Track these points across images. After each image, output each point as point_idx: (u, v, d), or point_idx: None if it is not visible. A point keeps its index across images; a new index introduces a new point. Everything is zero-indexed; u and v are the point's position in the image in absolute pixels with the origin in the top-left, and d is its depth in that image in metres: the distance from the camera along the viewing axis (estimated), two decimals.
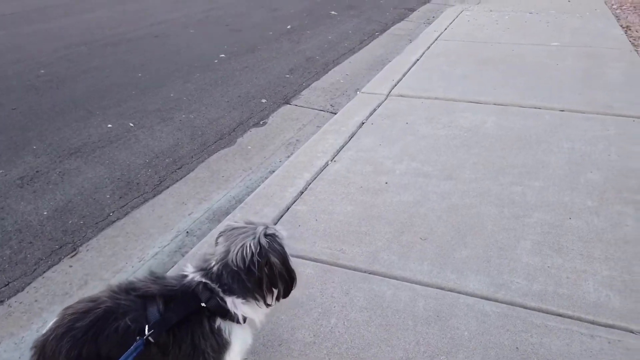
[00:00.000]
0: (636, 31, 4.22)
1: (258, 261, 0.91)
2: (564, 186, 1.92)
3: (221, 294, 0.92)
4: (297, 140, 2.86)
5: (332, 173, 2.15)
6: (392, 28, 5.43)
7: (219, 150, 2.74)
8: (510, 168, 2.09)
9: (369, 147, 2.37)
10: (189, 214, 2.17)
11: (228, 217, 1.91)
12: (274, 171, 2.34)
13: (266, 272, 0.94)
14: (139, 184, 2.42)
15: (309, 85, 3.75)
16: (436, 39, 4.25)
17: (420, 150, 2.30)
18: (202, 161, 2.63)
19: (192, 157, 2.68)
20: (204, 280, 0.93)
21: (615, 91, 2.79)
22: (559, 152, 2.17)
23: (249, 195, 2.09)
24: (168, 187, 2.38)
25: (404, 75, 3.34)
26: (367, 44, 4.82)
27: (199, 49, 4.63)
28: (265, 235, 0.95)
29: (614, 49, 3.66)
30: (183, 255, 1.77)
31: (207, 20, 5.75)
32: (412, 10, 6.31)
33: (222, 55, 4.43)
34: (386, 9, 6.30)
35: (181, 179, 2.47)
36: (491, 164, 2.13)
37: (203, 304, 0.91)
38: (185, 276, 0.95)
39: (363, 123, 2.64)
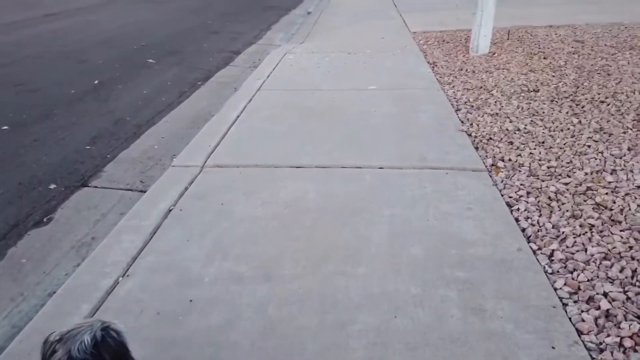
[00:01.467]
0: (441, 67, 4.55)
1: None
2: (388, 270, 1.75)
3: None
4: (92, 238, 2.31)
5: (121, 297, 1.68)
6: (217, 75, 5.12)
7: None
8: (334, 252, 1.87)
9: (174, 246, 1.96)
10: None
11: None
12: (55, 292, 1.79)
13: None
14: None
15: (116, 156, 3.20)
16: (259, 89, 4.04)
17: (235, 242, 1.96)
18: None
19: None
20: None
21: (428, 139, 2.83)
22: (381, 223, 2.03)
23: (18, 337, 1.51)
24: None
25: (222, 138, 3.02)
26: (189, 97, 4.42)
27: None
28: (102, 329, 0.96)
29: (424, 89, 3.84)
30: None
31: None
32: (238, 53, 6.10)
33: (5, 128, 3.62)
34: (210, 54, 5.99)
35: None
36: (314, 249, 1.89)
37: None
38: None
39: (170, 210, 2.22)
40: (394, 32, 6.47)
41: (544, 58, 4.58)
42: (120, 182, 2.85)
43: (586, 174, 2.34)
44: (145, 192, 2.54)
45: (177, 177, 2.55)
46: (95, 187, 2.81)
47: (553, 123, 2.97)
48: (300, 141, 2.92)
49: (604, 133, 2.78)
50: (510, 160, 2.53)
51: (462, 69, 4.41)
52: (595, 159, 2.46)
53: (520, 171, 2.41)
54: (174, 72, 5.18)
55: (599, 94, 3.43)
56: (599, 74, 3.96)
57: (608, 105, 3.22)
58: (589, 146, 2.60)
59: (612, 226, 1.92)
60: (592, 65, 4.21)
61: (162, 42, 6.55)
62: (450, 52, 5.12)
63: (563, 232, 1.89)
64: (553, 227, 1.94)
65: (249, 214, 2.16)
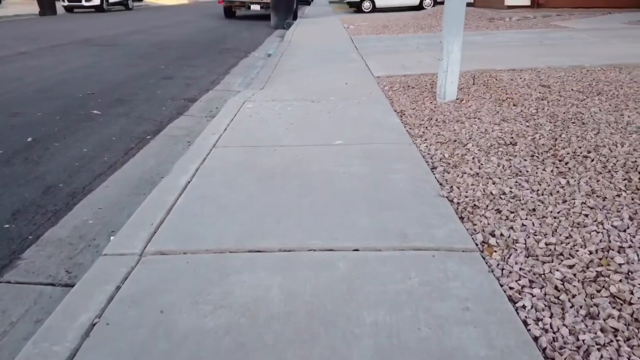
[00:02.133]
0: (410, 116, 4.31)
1: None
2: None
3: None
4: None
5: None
6: (169, 127, 4.69)
7: None
8: None
9: None
10: None
11: None
12: None
13: None
14: None
15: (40, 236, 2.68)
16: (214, 145, 3.64)
17: None
18: None
19: None
20: None
21: (406, 209, 2.49)
22: (362, 335, 1.63)
23: None
24: None
25: (168, 212, 2.57)
26: (135, 154, 3.96)
27: None
28: None
29: (395, 144, 3.54)
30: None
31: None
32: (193, 100, 5.70)
33: None
34: (163, 102, 5.56)
35: None
36: None
37: None
38: None
39: (94, 325, 1.74)
40: (357, 76, 6.27)
41: (514, 105, 4.42)
42: (41, 274, 2.33)
43: (591, 252, 2.03)
44: (73, 285, 2.05)
45: (108, 271, 2.07)
46: (8, 282, 2.28)
47: (540, 185, 2.70)
48: (261, 214, 2.51)
49: (597, 197, 2.52)
50: (502, 235, 2.20)
51: (431, 119, 4.17)
52: (597, 233, 2.17)
53: (516, 250, 2.09)
54: (121, 124, 4.71)
55: (579, 147, 3.23)
56: (573, 123, 3.80)
57: (592, 160, 3.00)
58: (585, 215, 2.32)
59: (639, 330, 1.59)
60: (564, 113, 4.07)
61: (110, 90, 6.08)
62: (417, 98, 4.91)
63: (584, 342, 1.55)
64: (570, 332, 1.60)
65: (196, 327, 1.71)
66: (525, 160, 3.08)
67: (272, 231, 2.34)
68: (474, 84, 5.29)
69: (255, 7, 18.52)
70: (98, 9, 23.09)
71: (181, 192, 2.82)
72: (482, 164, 3.05)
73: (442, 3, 21.29)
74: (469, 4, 21.73)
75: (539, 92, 4.80)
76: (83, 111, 5.11)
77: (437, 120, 4.11)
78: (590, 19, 13.11)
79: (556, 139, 3.43)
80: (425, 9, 20.01)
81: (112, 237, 2.47)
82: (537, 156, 3.14)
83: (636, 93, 4.58)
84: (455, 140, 3.55)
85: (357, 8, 20.85)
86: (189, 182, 2.97)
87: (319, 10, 24.99)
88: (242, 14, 20.07)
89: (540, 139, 3.46)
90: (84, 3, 22.67)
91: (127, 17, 19.53)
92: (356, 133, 3.82)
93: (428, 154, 3.34)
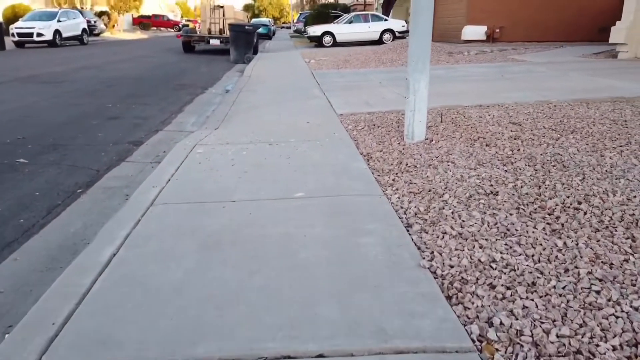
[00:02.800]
0: (377, 160, 3.91)
1: None
2: None
3: None
4: None
5: None
6: (106, 177, 4.11)
7: None
8: None
9: None
10: None
11: None
12: None
13: None
14: None
15: None
16: (153, 202, 3.09)
17: None
18: None
19: None
20: None
21: (381, 288, 2.02)
22: None
23: None
24: None
25: (79, 304, 2.00)
26: (61, 213, 3.36)
27: None
28: None
29: (363, 195, 3.11)
30: None
31: None
32: (139, 143, 5.15)
33: None
34: (103, 146, 4.97)
35: None
36: None
37: None
38: None
39: None
40: (319, 114, 5.90)
41: (487, 145, 4.11)
42: None
43: (614, 348, 1.62)
44: None
45: None
46: None
47: (534, 248, 2.31)
48: (199, 302, 1.98)
49: (603, 263, 2.14)
50: (502, 324, 1.76)
51: (401, 162, 3.79)
52: (616, 318, 1.76)
53: (522, 347, 1.65)
54: (49, 175, 4.09)
55: (568, 197, 2.89)
56: (554, 166, 3.49)
57: (585, 213, 2.65)
58: (597, 292, 1.92)
59: None
60: (541, 154, 3.77)
61: (44, 134, 5.44)
62: (384, 139, 4.54)
63: None
64: None
65: None
66: (511, 214, 2.70)
67: (212, 328, 1.81)
68: (442, 122, 5.00)
69: (215, 42, 18.22)
70: (51, 43, 22.16)
71: (101, 271, 2.25)
72: (463, 221, 2.65)
73: (402, 37, 21.83)
74: None
75: (511, 131, 4.54)
76: (7, 160, 4.46)
77: (407, 164, 3.73)
78: (545, 53, 13.47)
79: (540, 187, 3.09)
80: (385, 43, 20.26)
81: (6, 336, 1.89)
82: (523, 209, 2.77)
83: (610, 130, 4.38)
84: (429, 190, 3.15)
85: (318, 42, 20.88)
86: (114, 255, 2.41)
87: (280, 45, 25.02)
88: (201, 48, 19.70)
89: (522, 186, 3.11)
90: (35, 38, 21.70)
91: (80, 53, 18.78)
92: (319, 182, 3.38)
93: (401, 207, 2.92)
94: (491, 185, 3.17)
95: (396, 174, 3.55)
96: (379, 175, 3.52)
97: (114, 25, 40.34)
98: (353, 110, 5.98)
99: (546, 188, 3.07)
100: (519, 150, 3.93)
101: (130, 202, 3.17)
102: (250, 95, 7.94)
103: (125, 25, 46.27)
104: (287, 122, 5.49)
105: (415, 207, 2.90)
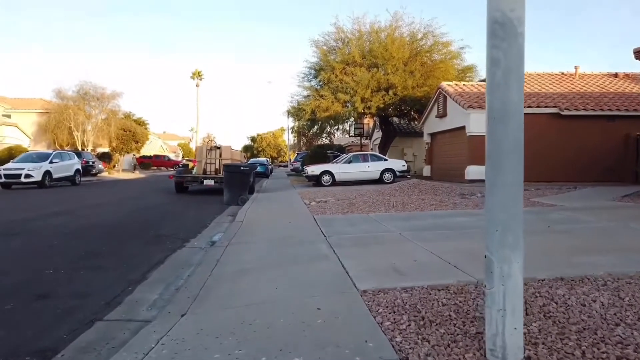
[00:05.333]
0: None
1: None
2: None
3: None
4: None
5: None
6: None
7: None
8: None
9: None
10: None
11: None
12: None
13: None
14: None
15: None
16: None
17: None
18: None
19: None
20: None
21: None
22: None
23: None
24: None
25: None
26: None
27: None
28: None
29: None
30: None
31: None
32: (53, 352, 3.27)
33: None
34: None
35: None
36: None
37: None
38: None
39: None
40: (333, 291, 4.16)
41: None
42: None
43: None
44: None
45: None
46: None
47: None
48: None
49: None
50: None
51: None
52: None
53: None
54: None
55: None
56: None
57: None
58: None
59: None
60: None
61: None
62: (450, 352, 2.73)
63: None
64: None
65: None
66: None
67: None
68: (527, 314, 3.22)
69: (209, 182, 17.26)
70: (40, 184, 21.21)
71: None
72: None
73: (403, 177, 21.17)
74: (425, 177, 21.57)
75: None
76: None
77: None
78: (568, 195, 12.31)
79: None
80: (386, 182, 19.44)
81: None
82: None
83: None
84: None
85: (317, 181, 20.05)
86: None
87: (278, 183, 24.36)
88: (195, 188, 18.74)
89: None
90: (22, 179, 20.80)
91: (64, 195, 17.66)
92: None
93: None
94: None
95: None
96: None
97: (114, 166, 40.72)
98: (380, 282, 4.25)
99: None
100: None
101: None
102: (240, 251, 6.29)
103: (125, 165, 47.01)
104: (288, 307, 3.71)
105: None
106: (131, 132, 42.71)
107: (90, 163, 31.91)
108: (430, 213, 9.24)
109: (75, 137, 37.13)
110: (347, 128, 34.12)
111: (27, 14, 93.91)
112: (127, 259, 6.13)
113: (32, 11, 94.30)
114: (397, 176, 20.03)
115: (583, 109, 17.68)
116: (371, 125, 33.07)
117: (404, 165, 20.84)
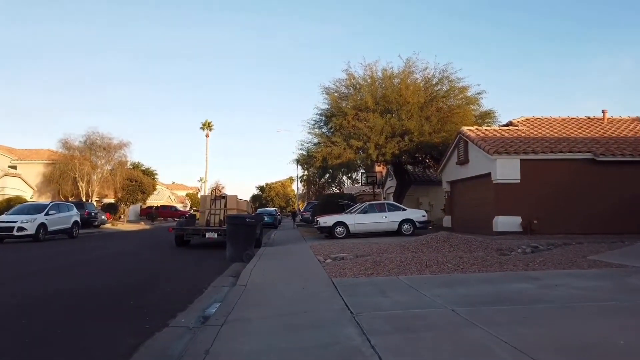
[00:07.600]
0: None
1: None
2: None
3: None
4: None
5: None
6: None
7: None
8: None
9: None
10: None
11: None
12: None
13: None
14: None
15: None
16: None
17: None
18: None
19: None
20: None
21: None
22: None
23: None
24: None
25: None
26: None
27: None
28: None
29: None
30: None
31: None
32: None
33: None
34: None
35: None
36: None
37: None
38: None
39: None
40: None
41: None
42: None
43: None
44: None
45: None
46: None
47: None
48: None
49: None
50: None
51: None
52: None
53: None
54: None
55: None
56: None
57: None
58: None
59: None
60: None
61: None
62: None
63: None
64: None
65: None
66: None
67: None
68: None
69: (212, 235, 15.71)
70: (34, 238, 19.75)
71: None
72: None
73: (423, 228, 19.35)
74: (446, 228, 19.74)
75: None
76: None
77: None
78: (624, 251, 10.51)
79: None
80: (404, 234, 17.72)
81: None
82: None
83: None
84: None
85: (329, 233, 18.36)
86: None
87: (287, 235, 22.70)
88: (197, 241, 17.19)
89: None
90: (15, 233, 19.36)
91: (57, 249, 16.17)
92: None
93: None
94: None
95: None
96: None
97: (119, 217, 39.45)
98: None
99: None
100: None
101: None
102: (238, 335, 4.65)
103: (132, 215, 45.76)
104: None
105: None
106: (137, 182, 41.73)
107: (93, 214, 30.64)
108: (476, 277, 7.51)
109: (80, 188, 36.15)
110: (358, 177, 32.76)
111: (43, 63, 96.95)
112: (81, 350, 4.48)
113: (46, 61, 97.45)
114: (417, 227, 18.33)
115: (620, 155, 16.16)
116: (384, 173, 31.71)
117: (424, 216, 19.16)
